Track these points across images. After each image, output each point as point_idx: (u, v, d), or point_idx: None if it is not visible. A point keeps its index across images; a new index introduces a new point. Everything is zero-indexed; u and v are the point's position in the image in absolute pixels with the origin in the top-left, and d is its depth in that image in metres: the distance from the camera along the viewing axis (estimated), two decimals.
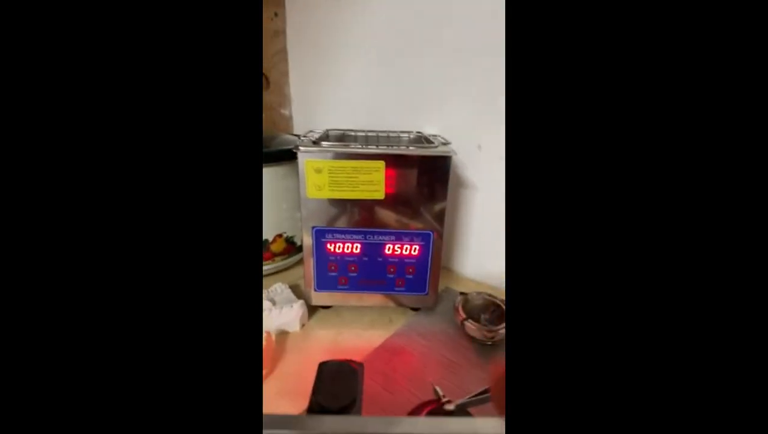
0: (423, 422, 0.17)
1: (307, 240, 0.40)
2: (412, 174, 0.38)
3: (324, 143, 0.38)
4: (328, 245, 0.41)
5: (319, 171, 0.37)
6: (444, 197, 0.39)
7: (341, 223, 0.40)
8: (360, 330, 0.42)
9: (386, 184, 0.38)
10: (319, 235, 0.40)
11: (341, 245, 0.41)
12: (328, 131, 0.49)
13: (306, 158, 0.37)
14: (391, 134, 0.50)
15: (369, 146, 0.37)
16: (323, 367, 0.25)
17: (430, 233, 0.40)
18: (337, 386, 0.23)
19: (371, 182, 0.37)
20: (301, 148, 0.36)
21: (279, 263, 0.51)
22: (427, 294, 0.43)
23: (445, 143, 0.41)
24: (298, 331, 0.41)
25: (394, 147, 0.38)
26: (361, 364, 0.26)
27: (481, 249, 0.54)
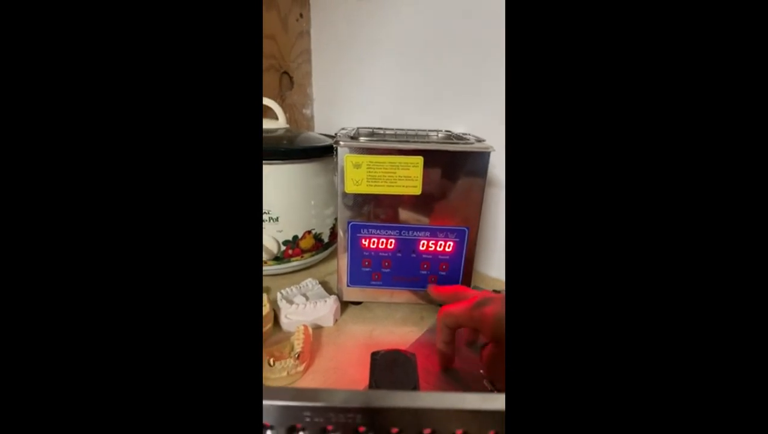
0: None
1: (342, 235, 0.41)
2: (450, 170, 0.38)
3: (362, 138, 0.38)
4: (363, 241, 0.41)
5: (358, 166, 0.37)
6: (481, 193, 0.39)
7: (377, 219, 0.40)
8: (392, 326, 0.42)
9: (423, 179, 0.38)
10: (355, 230, 0.40)
11: (375, 241, 0.41)
12: (358, 128, 0.49)
13: (346, 153, 0.37)
14: (419, 132, 0.50)
15: (407, 139, 0.38)
16: (377, 356, 0.25)
17: (465, 229, 0.40)
18: (396, 373, 0.24)
19: (409, 177, 0.38)
20: (341, 143, 0.37)
21: (308, 259, 0.51)
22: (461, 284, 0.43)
23: (480, 140, 0.41)
24: (332, 326, 0.41)
25: (433, 142, 0.38)
26: (413, 353, 0.26)
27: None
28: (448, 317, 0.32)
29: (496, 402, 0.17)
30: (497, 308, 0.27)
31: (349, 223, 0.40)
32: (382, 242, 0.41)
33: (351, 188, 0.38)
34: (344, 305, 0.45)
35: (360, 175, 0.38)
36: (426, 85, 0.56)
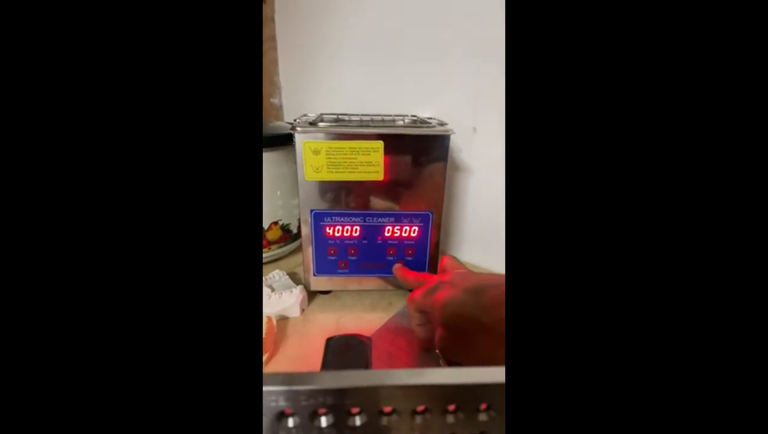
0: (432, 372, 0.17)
1: (306, 224, 0.40)
2: (411, 154, 0.38)
3: (321, 124, 0.37)
4: (327, 229, 0.40)
5: (317, 152, 0.37)
6: (443, 177, 0.39)
7: (340, 206, 0.39)
8: (360, 313, 0.42)
9: (386, 164, 0.37)
10: (318, 218, 0.40)
11: (340, 229, 0.40)
12: (322, 114, 0.48)
13: (303, 139, 0.36)
14: (386, 117, 0.50)
15: (367, 123, 0.37)
16: (331, 341, 0.25)
17: (429, 213, 0.40)
18: (348, 358, 0.23)
19: (370, 162, 0.37)
20: (298, 129, 0.36)
21: (275, 251, 0.50)
22: (427, 272, 0.43)
23: (442, 124, 0.41)
24: (299, 316, 0.41)
25: (393, 126, 0.37)
26: (369, 337, 0.26)
27: (477, 233, 0.54)
28: (412, 304, 0.32)
29: (452, 375, 0.16)
30: (447, 293, 0.27)
31: (311, 211, 0.39)
32: (347, 229, 0.40)
33: (311, 175, 0.38)
34: (313, 295, 0.44)
35: (319, 161, 0.37)
36: (394, 71, 0.55)
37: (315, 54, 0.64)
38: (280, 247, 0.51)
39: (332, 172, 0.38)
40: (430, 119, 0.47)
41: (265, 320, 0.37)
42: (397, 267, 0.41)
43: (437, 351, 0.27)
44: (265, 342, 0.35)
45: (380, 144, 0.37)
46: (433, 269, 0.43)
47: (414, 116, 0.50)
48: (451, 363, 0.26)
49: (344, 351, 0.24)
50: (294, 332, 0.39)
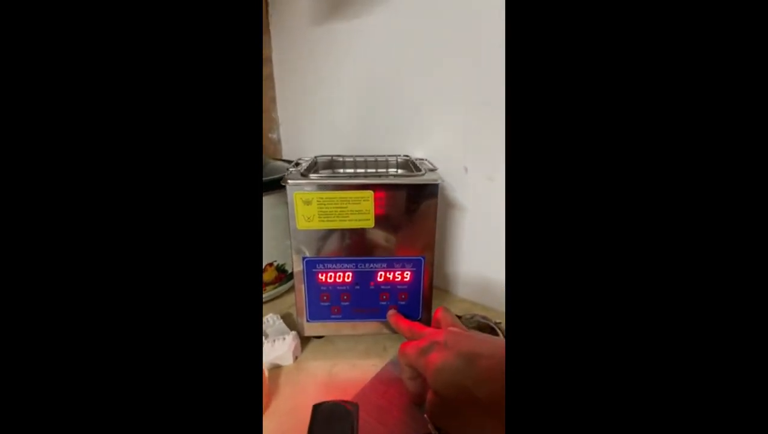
0: None
1: (298, 271, 0.40)
2: (401, 202, 0.38)
3: (312, 175, 0.38)
4: (320, 276, 0.40)
5: (308, 203, 0.37)
6: (433, 223, 0.39)
7: (332, 252, 0.40)
8: (355, 359, 0.42)
9: (375, 212, 0.38)
10: (310, 265, 0.40)
11: (333, 275, 0.40)
12: (317, 158, 0.49)
13: (294, 191, 0.37)
14: (379, 158, 0.51)
15: (357, 173, 0.38)
16: (317, 409, 0.25)
17: (421, 258, 0.40)
18: (332, 428, 0.23)
19: (360, 211, 0.38)
20: (289, 181, 0.37)
21: (270, 292, 0.50)
22: (420, 319, 0.43)
23: (432, 169, 0.42)
24: (292, 364, 0.41)
25: (383, 176, 0.38)
26: (355, 404, 0.26)
27: (472, 271, 0.54)
28: (403, 358, 0.32)
29: None
30: (440, 356, 0.27)
31: (303, 259, 0.40)
32: (339, 275, 0.40)
33: (303, 224, 0.38)
34: (307, 338, 0.44)
35: (311, 211, 0.37)
36: (387, 111, 0.57)
37: (312, 93, 0.65)
38: (275, 288, 0.51)
39: (323, 221, 0.38)
40: (422, 161, 0.47)
41: None
42: (391, 314, 0.40)
43: (426, 416, 0.27)
44: None
45: (370, 194, 0.37)
46: (427, 312, 0.43)
47: (406, 156, 0.51)
48: (439, 429, 0.26)
49: (330, 420, 0.24)
50: (287, 382, 0.38)
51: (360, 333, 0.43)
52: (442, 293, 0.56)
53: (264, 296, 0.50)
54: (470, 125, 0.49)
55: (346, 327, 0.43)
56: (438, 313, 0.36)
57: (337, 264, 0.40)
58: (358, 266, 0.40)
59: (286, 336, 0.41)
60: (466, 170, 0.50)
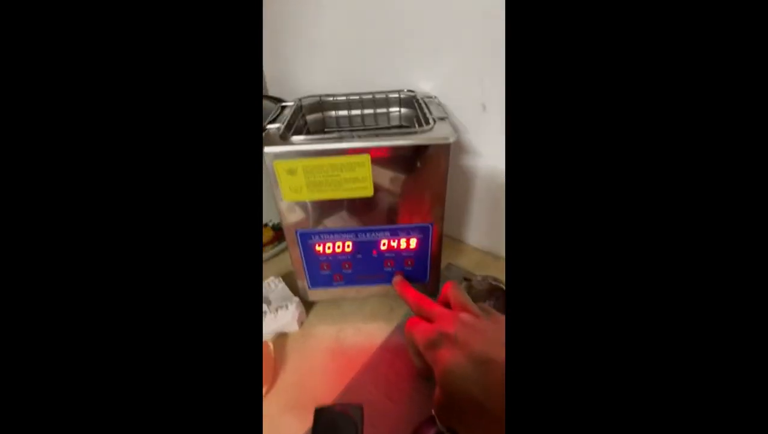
0: None
1: (293, 244, 0.36)
2: (404, 166, 0.32)
3: (295, 138, 0.31)
4: (317, 247, 0.37)
5: (292, 172, 0.31)
6: (443, 188, 0.33)
7: (328, 222, 0.35)
8: (360, 323, 0.41)
9: (374, 178, 0.32)
10: (305, 238, 0.36)
11: (331, 245, 0.37)
12: (301, 100, 0.41)
13: (275, 160, 0.31)
14: (377, 96, 0.42)
15: (353, 124, 0.31)
16: (320, 416, 0.24)
17: (429, 225, 0.36)
18: None
19: (356, 178, 0.32)
20: (266, 149, 0.30)
21: (269, 252, 0.48)
22: (428, 282, 0.40)
23: (443, 117, 0.34)
24: (297, 331, 0.40)
25: (381, 136, 0.31)
26: (358, 407, 0.24)
27: (484, 218, 0.50)
28: (410, 339, 0.30)
29: None
30: (450, 356, 0.24)
31: (297, 232, 0.36)
32: (338, 246, 0.37)
33: (290, 196, 0.33)
34: (311, 302, 0.43)
35: (297, 181, 0.32)
36: (388, 34, 0.45)
37: (295, 13, 0.52)
38: (273, 247, 0.48)
39: (314, 192, 0.33)
40: (430, 98, 0.39)
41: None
42: (397, 281, 0.38)
43: (432, 411, 0.26)
44: (264, 372, 0.34)
45: (366, 158, 0.31)
46: (436, 275, 0.40)
47: (411, 91, 0.42)
48: (446, 427, 0.25)
49: (333, 429, 0.23)
50: (293, 350, 0.38)
51: (365, 295, 0.42)
52: (452, 242, 0.53)
53: (262, 256, 0.48)
54: (488, 52, 0.38)
55: (351, 292, 0.41)
56: (447, 289, 0.33)
57: (335, 235, 0.36)
58: (359, 235, 0.36)
59: (289, 305, 0.40)
60: (483, 107, 0.41)
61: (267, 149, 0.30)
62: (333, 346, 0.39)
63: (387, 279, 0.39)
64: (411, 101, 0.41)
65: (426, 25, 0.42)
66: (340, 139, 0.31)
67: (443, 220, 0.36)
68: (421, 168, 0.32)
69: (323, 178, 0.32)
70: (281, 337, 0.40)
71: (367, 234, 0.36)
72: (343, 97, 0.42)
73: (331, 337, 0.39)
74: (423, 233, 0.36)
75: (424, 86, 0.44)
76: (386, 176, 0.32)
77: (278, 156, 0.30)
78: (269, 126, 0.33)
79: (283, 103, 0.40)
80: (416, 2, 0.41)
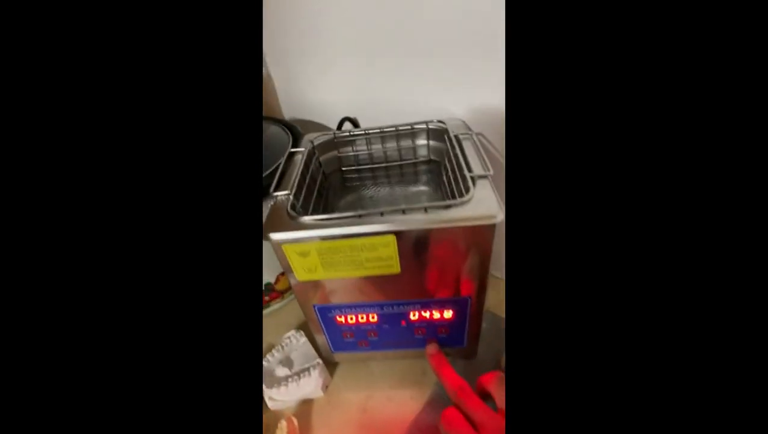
0: None
1: (311, 314, 0.32)
2: (438, 244, 0.26)
3: (305, 219, 0.26)
4: (338, 318, 0.32)
5: (305, 255, 0.27)
6: (485, 264, 0.27)
7: (348, 298, 0.31)
8: (390, 389, 0.37)
9: (402, 257, 0.27)
10: (324, 312, 0.32)
11: (354, 317, 0.32)
12: (313, 142, 0.35)
13: (283, 244, 0.26)
14: (401, 130, 0.36)
15: (372, 212, 0.25)
16: None
17: (467, 298, 0.30)
18: None
19: (380, 258, 0.27)
20: (272, 235, 0.25)
21: (288, 298, 0.45)
22: (465, 347, 0.35)
23: (484, 174, 0.27)
24: (323, 396, 0.37)
25: (408, 216, 0.25)
26: None
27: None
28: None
29: None
30: None
31: (315, 307, 0.31)
32: (362, 317, 0.32)
33: (304, 276, 0.28)
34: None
35: (312, 262, 0.27)
36: (411, 34, 0.37)
37: (310, 27, 0.45)
38: (291, 293, 0.45)
39: (330, 271, 0.28)
40: (467, 134, 0.32)
41: (284, 427, 0.33)
42: (432, 354, 0.33)
43: None
44: None
45: (391, 240, 0.25)
46: (474, 341, 0.35)
47: (441, 123, 0.35)
48: None
49: None
50: (319, 421, 0.35)
51: (394, 356, 0.38)
52: (494, 281, 0.47)
53: (281, 304, 0.45)
54: None
55: (378, 355, 0.37)
56: (490, 381, 0.28)
57: (357, 309, 0.31)
58: (384, 308, 0.31)
59: (312, 371, 0.37)
60: None
61: (274, 236, 0.25)
62: (361, 418, 0.35)
63: (419, 345, 0.35)
64: (442, 135, 0.35)
65: (457, 36, 0.34)
66: (359, 219, 0.25)
67: (486, 290, 0.30)
68: (460, 246, 0.26)
69: (341, 258, 0.27)
70: (306, 404, 0.37)
71: (395, 307, 0.31)
72: (361, 132, 0.36)
73: (358, 406, 0.36)
74: (460, 305, 0.31)
75: (456, 110, 0.37)
76: (416, 253, 0.27)
77: (287, 238, 0.26)
78: (277, 194, 0.28)
79: (293, 150, 0.34)
80: (443, 12, 0.33)
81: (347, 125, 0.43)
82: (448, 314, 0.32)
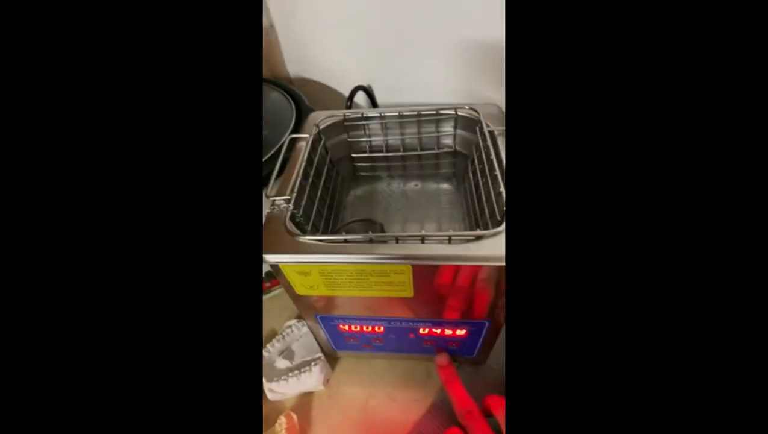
0: None
1: (312, 321, 0.30)
2: (463, 279, 0.22)
3: (305, 240, 0.22)
4: (341, 327, 0.30)
5: (306, 274, 0.23)
6: (502, 293, 0.24)
7: (354, 312, 0.28)
8: (393, 389, 0.36)
9: (416, 284, 0.23)
10: (326, 320, 0.29)
11: (358, 327, 0.30)
12: (318, 126, 0.30)
13: (281, 264, 0.22)
14: (423, 115, 0.30)
15: (377, 250, 0.21)
16: None
17: (485, 322, 0.27)
18: None
19: (391, 283, 0.23)
20: (266, 257, 0.22)
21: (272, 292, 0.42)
22: (476, 357, 0.33)
23: None
24: (323, 390, 0.36)
25: (430, 242, 0.21)
26: None
27: None
28: None
29: None
30: None
31: (316, 316, 0.29)
32: (368, 328, 0.30)
33: (304, 292, 0.25)
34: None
35: (313, 281, 0.24)
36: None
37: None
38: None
39: (335, 290, 0.25)
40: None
41: (283, 422, 0.33)
42: (443, 366, 0.31)
43: None
44: None
45: (407, 269, 0.22)
46: (485, 354, 0.33)
47: (473, 110, 0.29)
48: None
49: None
50: (319, 415, 0.35)
51: (399, 357, 0.36)
52: None
53: (281, 290, 0.42)
54: None
55: (381, 355, 0.36)
56: (497, 407, 0.26)
57: (362, 321, 0.29)
58: (392, 323, 0.29)
59: (314, 367, 0.35)
60: None
61: (270, 258, 0.22)
62: (361, 417, 0.35)
63: (427, 352, 0.33)
64: (473, 125, 0.29)
65: None
66: (369, 244, 0.21)
67: (504, 319, 0.27)
68: (487, 282, 0.22)
69: (347, 280, 0.23)
70: (306, 396, 0.36)
71: (403, 322, 0.28)
72: (376, 114, 0.31)
73: (359, 404, 0.35)
74: (476, 326, 0.28)
75: (494, 95, 0.31)
76: (435, 282, 0.23)
77: (287, 260, 0.22)
78: (275, 199, 0.24)
79: (294, 135, 0.29)
80: None
81: (360, 99, 0.37)
82: (461, 332, 0.29)
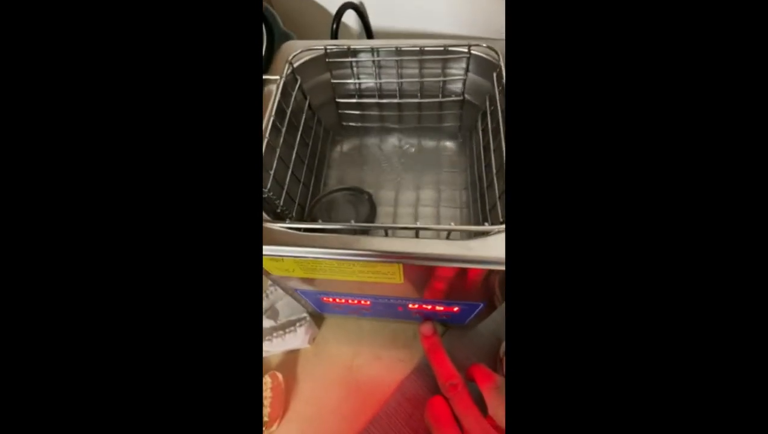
0: None
1: (294, 294, 0.28)
2: (461, 278, 0.19)
3: (277, 228, 0.18)
4: (325, 299, 0.28)
5: (279, 261, 0.20)
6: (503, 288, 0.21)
7: (338, 288, 0.25)
8: (380, 348, 0.35)
9: (406, 274, 0.20)
10: (309, 295, 0.27)
11: (343, 300, 0.28)
12: (292, 63, 0.23)
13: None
14: (426, 52, 0.24)
15: (371, 231, 0.17)
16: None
17: (480, 304, 0.25)
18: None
19: (378, 272, 0.20)
20: None
21: None
22: (467, 325, 0.32)
23: None
24: (309, 348, 0.36)
25: (423, 233, 0.17)
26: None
27: None
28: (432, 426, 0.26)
29: None
30: None
31: (297, 290, 0.26)
32: (353, 301, 0.28)
33: (279, 273, 0.22)
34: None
35: (288, 266, 0.20)
36: None
37: None
38: None
39: (313, 273, 0.21)
40: None
41: (268, 382, 0.32)
42: (427, 336, 0.30)
43: None
44: (272, 409, 0.32)
45: (397, 268, 0.18)
46: (476, 323, 0.31)
47: (490, 48, 0.23)
48: None
49: None
50: (305, 373, 0.35)
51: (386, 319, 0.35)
52: None
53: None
54: None
55: (370, 317, 0.34)
56: (477, 373, 0.25)
57: (347, 296, 0.26)
58: (380, 299, 0.26)
59: (299, 328, 0.34)
60: None
61: None
62: (347, 375, 0.35)
63: (416, 319, 0.32)
64: (489, 69, 0.23)
65: None
66: (353, 236, 0.17)
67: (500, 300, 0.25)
68: (488, 283, 0.19)
69: (327, 267, 0.20)
70: (291, 354, 0.36)
71: (391, 300, 0.26)
72: (366, 48, 0.24)
73: (345, 363, 0.35)
74: (470, 306, 0.26)
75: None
76: (428, 277, 0.20)
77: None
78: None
79: (265, 76, 0.23)
80: None
81: (351, 19, 0.29)
82: (454, 309, 0.27)
